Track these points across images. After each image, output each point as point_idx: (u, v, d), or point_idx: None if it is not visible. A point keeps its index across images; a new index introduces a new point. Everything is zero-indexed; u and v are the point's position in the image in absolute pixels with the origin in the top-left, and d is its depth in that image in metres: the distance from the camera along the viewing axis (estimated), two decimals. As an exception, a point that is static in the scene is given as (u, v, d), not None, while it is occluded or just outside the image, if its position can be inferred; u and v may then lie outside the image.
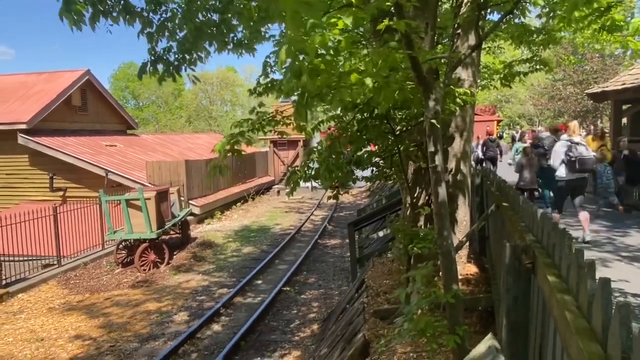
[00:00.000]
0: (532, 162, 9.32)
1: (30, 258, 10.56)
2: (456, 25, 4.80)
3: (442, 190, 3.01)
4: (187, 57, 5.33)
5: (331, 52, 2.33)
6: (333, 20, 1.77)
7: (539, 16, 6.92)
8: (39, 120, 16.70)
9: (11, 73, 21.31)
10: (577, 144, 7.31)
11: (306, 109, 2.14)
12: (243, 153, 4.94)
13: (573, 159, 7.15)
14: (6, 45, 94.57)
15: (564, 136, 7.94)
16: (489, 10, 5.24)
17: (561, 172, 7.34)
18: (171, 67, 5.33)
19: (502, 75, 8.33)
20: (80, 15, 4.36)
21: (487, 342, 2.51)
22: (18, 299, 9.48)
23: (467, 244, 5.57)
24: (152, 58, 5.29)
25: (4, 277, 9.67)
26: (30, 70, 21.99)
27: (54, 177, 16.54)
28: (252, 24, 5.33)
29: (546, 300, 2.02)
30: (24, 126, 16.14)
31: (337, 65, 2.19)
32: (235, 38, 5.65)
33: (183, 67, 5.44)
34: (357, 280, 7.71)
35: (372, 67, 2.22)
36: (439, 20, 5.07)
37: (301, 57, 1.88)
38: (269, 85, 7.66)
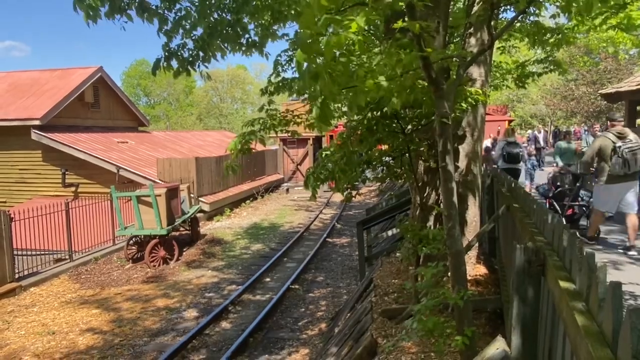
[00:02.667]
0: (488, 158, 11.59)
1: (43, 252, 10.71)
2: (468, 24, 4.77)
3: (452, 191, 2.99)
4: (202, 54, 5.36)
5: (345, 54, 2.32)
6: (346, 22, 1.76)
7: (553, 16, 6.85)
8: (52, 117, 16.91)
9: (25, 69, 21.55)
10: (510, 143, 10.10)
11: (327, 115, 2.14)
12: (253, 151, 4.97)
13: (505, 154, 9.95)
14: (22, 41, 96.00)
15: (501, 137, 11.26)
16: (502, 9, 5.20)
17: (500, 163, 10.15)
18: (185, 63, 5.37)
19: (515, 76, 8.49)
20: (96, 9, 4.40)
21: (496, 344, 2.49)
22: (30, 292, 9.62)
23: (477, 244, 5.54)
24: (166, 54, 5.33)
25: (17, 271, 9.82)
26: (45, 67, 22.24)
27: (67, 172, 16.74)
28: (264, 23, 5.34)
29: (556, 304, 2.00)
30: (37, 122, 16.36)
31: (349, 67, 2.17)
32: (249, 39, 5.66)
33: (197, 63, 5.46)
34: (365, 280, 7.70)
35: (384, 68, 2.20)
36: (450, 19, 5.03)
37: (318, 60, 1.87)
38: (280, 84, 7.67)
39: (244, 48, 5.72)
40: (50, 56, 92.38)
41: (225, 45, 5.39)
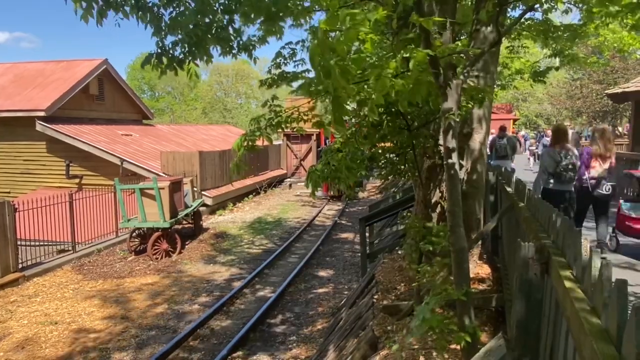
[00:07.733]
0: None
1: (46, 243, 10.77)
2: (476, 20, 4.73)
3: (457, 187, 2.99)
4: (194, 50, 5.26)
5: (357, 52, 2.29)
6: (359, 17, 1.76)
7: (566, 12, 6.80)
8: (57, 108, 16.96)
9: (31, 61, 21.60)
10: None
11: (342, 113, 2.12)
12: (258, 147, 4.93)
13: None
14: (32, 33, 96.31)
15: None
16: (511, 6, 5.16)
17: None
18: (173, 61, 5.27)
19: (529, 76, 8.92)
20: (89, 9, 4.36)
21: (497, 341, 2.49)
22: (33, 282, 9.68)
23: (480, 242, 5.53)
24: (159, 51, 5.25)
25: (20, 261, 9.88)
26: (53, 59, 22.28)
27: (71, 164, 16.80)
28: (261, 21, 5.22)
29: (559, 301, 2.00)
30: (42, 113, 16.41)
31: (361, 64, 2.16)
32: (240, 42, 5.55)
33: (187, 61, 5.36)
34: (367, 276, 7.71)
35: (395, 66, 2.19)
36: (458, 16, 5.00)
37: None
38: (281, 76, 7.56)
39: (234, 51, 5.61)
40: (59, 48, 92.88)
41: (214, 47, 5.28)
